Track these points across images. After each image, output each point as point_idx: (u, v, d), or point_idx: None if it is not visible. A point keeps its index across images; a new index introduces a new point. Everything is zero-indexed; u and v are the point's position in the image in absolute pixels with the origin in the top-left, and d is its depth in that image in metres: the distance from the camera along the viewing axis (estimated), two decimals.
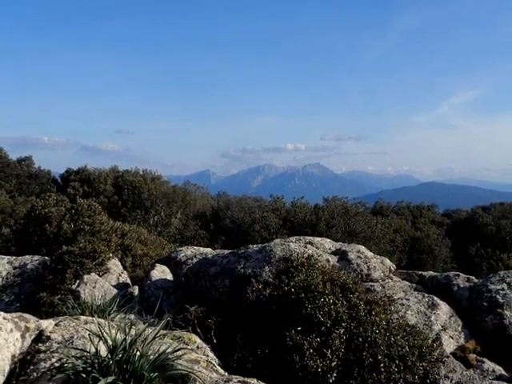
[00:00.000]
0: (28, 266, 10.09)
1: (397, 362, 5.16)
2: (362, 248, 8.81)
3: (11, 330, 3.59)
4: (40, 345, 3.79)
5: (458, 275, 8.31)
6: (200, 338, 5.72)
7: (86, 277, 8.75)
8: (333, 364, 5.03)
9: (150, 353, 3.55)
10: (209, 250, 10.83)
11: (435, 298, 7.51)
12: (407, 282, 8.24)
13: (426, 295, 7.63)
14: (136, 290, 8.75)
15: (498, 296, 7.22)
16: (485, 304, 7.21)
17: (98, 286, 8.51)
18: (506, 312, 6.92)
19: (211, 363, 4.48)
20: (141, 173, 29.38)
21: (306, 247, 8.15)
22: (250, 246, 8.56)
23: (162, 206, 25.78)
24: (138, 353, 3.45)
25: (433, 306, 7.29)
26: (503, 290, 7.35)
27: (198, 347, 5.28)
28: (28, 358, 3.66)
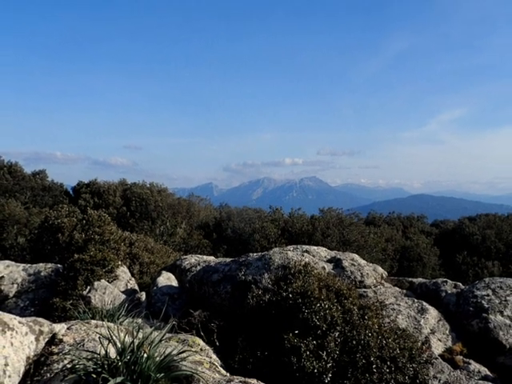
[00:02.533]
0: (42, 273, 10.08)
1: (388, 363, 5.14)
2: (356, 256, 8.81)
3: (26, 333, 3.60)
4: (53, 347, 3.80)
5: (445, 282, 8.30)
6: (203, 340, 5.71)
7: (96, 283, 8.74)
8: (328, 365, 5.02)
9: (156, 355, 3.55)
10: (212, 258, 10.83)
11: (424, 303, 7.50)
12: (398, 288, 8.23)
13: (416, 300, 7.62)
14: (143, 296, 8.74)
15: (483, 301, 7.22)
16: (471, 309, 7.20)
17: (108, 292, 8.50)
18: (490, 316, 6.91)
19: (214, 364, 4.47)
20: (148, 185, 29.40)
21: (302, 255, 8.15)
22: (251, 254, 8.56)
23: (168, 216, 25.78)
24: (145, 355, 3.45)
25: (422, 311, 7.28)
26: (488, 295, 7.35)
27: (201, 349, 5.26)
28: (42, 359, 3.66)
